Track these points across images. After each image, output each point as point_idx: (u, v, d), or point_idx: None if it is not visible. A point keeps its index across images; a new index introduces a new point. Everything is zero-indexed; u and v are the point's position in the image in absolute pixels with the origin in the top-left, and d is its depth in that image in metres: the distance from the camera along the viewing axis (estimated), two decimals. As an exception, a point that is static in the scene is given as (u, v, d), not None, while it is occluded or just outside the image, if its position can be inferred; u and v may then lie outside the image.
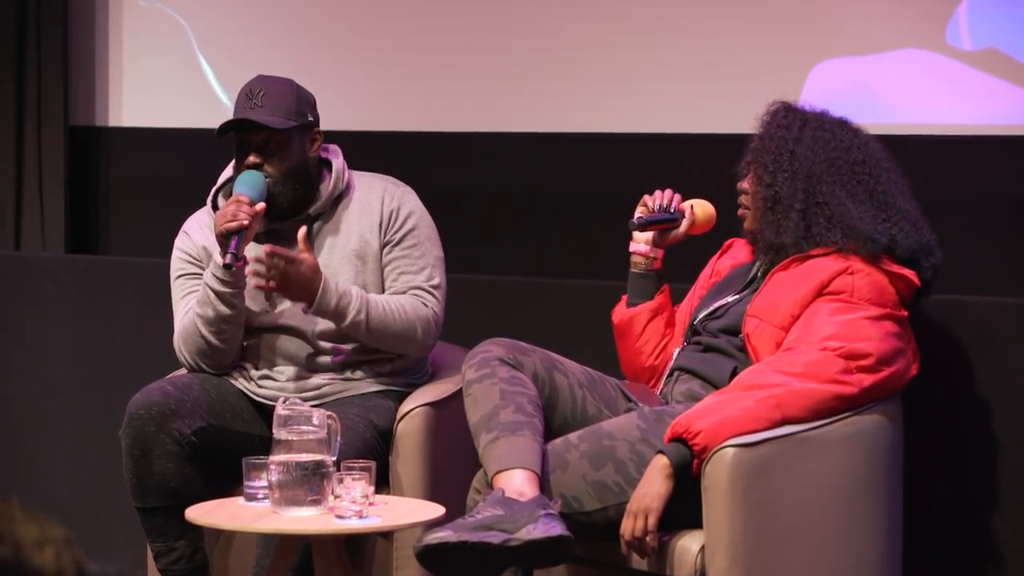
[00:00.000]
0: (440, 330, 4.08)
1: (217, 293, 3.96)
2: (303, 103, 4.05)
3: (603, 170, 4.96)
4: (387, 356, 4.09)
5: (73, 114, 5.77)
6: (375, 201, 4.07)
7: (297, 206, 4.04)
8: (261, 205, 3.91)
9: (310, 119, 4.05)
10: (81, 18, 5.77)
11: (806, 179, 3.73)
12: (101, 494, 5.04)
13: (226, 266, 3.92)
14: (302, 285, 3.90)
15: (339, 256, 4.04)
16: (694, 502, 3.45)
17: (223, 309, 3.98)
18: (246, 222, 3.88)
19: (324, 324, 4.04)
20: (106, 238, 5.79)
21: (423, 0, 5.24)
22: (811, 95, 4.38)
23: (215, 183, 4.15)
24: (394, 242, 4.06)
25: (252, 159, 3.98)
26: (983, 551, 3.93)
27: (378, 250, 4.05)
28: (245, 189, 3.93)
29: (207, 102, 5.53)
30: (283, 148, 4.00)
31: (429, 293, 4.06)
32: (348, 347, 4.05)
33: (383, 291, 4.06)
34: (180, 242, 4.14)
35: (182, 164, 5.54)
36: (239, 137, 4.01)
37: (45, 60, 5.72)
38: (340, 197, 4.08)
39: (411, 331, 4.01)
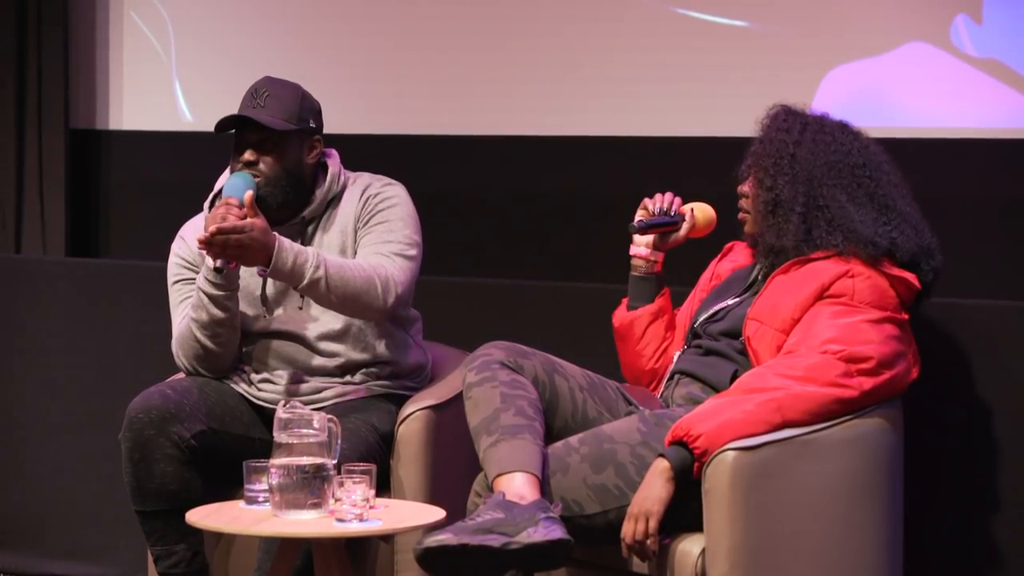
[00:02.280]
0: (401, 293, 3.97)
1: (210, 296, 3.96)
2: (306, 109, 4.05)
3: (603, 173, 4.96)
4: (386, 359, 4.09)
5: (74, 117, 5.77)
6: (359, 196, 4.08)
7: (289, 210, 4.04)
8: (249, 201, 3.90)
9: (311, 125, 4.05)
10: (82, 22, 5.77)
11: (807, 182, 3.73)
12: (101, 497, 5.04)
13: (217, 270, 3.92)
14: (257, 250, 3.84)
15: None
16: (695, 505, 3.45)
17: (216, 312, 3.97)
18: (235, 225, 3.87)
19: (323, 327, 4.04)
20: (106, 241, 5.79)
21: (421, 4, 5.24)
22: (817, 98, 4.38)
23: (214, 187, 4.16)
24: (364, 223, 4.05)
25: (247, 156, 3.99)
26: (984, 554, 3.93)
27: (353, 236, 4.05)
28: (234, 191, 3.93)
29: (208, 105, 5.53)
30: (278, 149, 4.00)
31: (388, 258, 4.00)
32: (347, 351, 4.05)
33: None
34: (177, 247, 4.14)
35: (182, 168, 5.55)
36: (237, 135, 4.02)
37: (46, 63, 5.73)
38: (333, 200, 4.08)
39: (371, 287, 3.93)
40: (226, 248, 3.83)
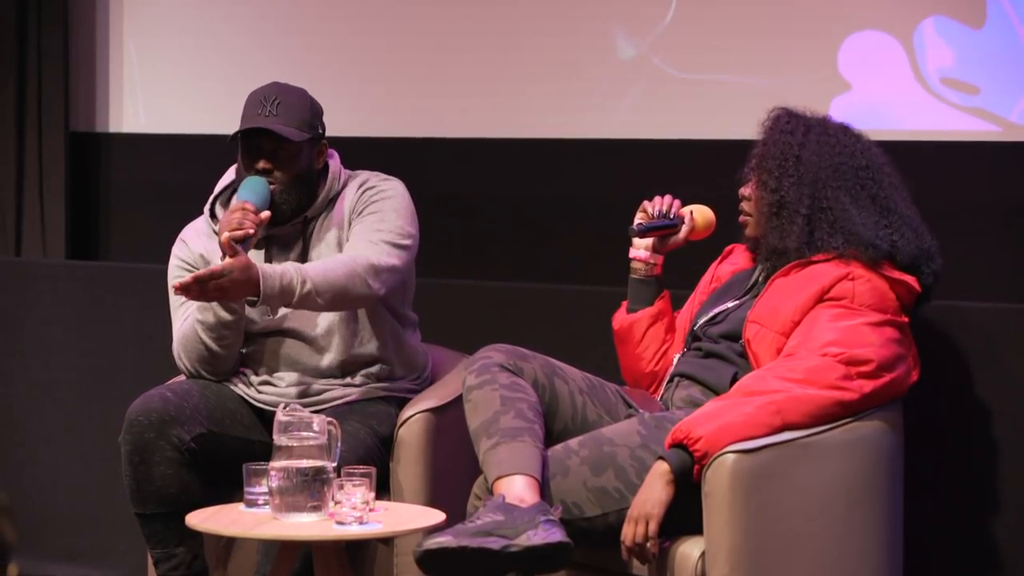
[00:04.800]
0: (389, 278, 3.97)
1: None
2: (315, 115, 4.06)
3: (603, 175, 4.96)
4: (386, 360, 4.09)
5: (74, 120, 5.77)
6: (357, 191, 4.09)
7: (297, 212, 4.05)
8: (266, 214, 3.90)
9: (320, 131, 4.06)
10: (82, 24, 5.77)
11: (812, 184, 3.73)
12: (101, 500, 5.04)
13: None
14: (239, 288, 3.83)
15: (326, 251, 4.05)
16: (695, 508, 3.45)
17: (224, 314, 3.98)
18: (252, 231, 3.87)
19: (323, 329, 4.04)
20: (107, 244, 5.79)
21: (422, 6, 5.24)
22: (819, 101, 4.38)
23: (214, 189, 4.16)
24: (358, 214, 4.06)
25: (262, 165, 3.98)
26: (984, 557, 3.93)
27: (348, 229, 4.06)
28: (250, 196, 3.93)
29: (208, 108, 5.54)
30: (293, 158, 4.01)
31: (373, 244, 3.99)
32: (347, 352, 4.05)
33: None
34: (177, 250, 4.14)
35: (183, 170, 5.55)
36: (249, 142, 4.01)
37: (46, 66, 5.73)
38: (334, 198, 4.09)
39: (354, 276, 3.92)
40: (205, 293, 3.80)
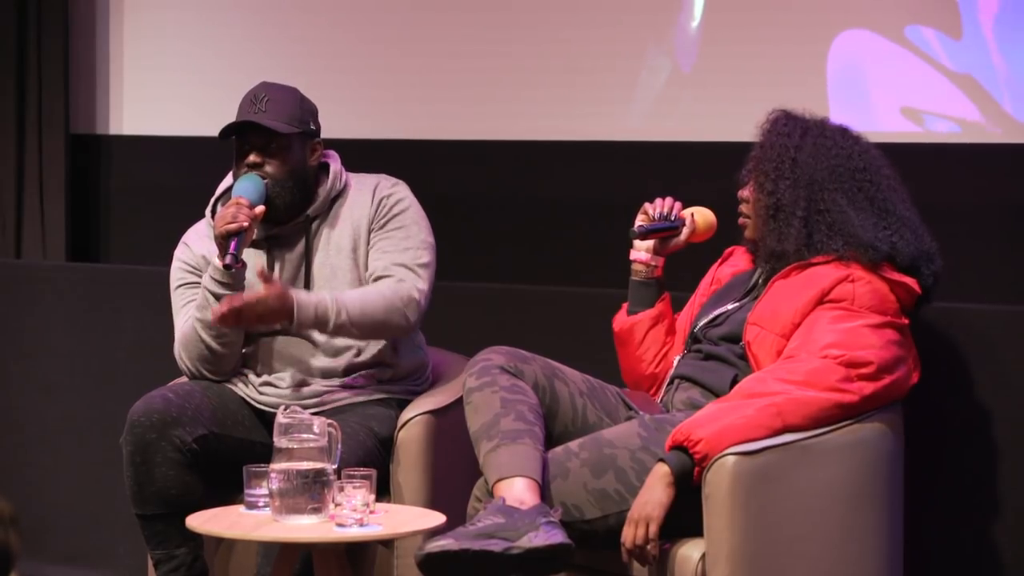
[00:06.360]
0: (425, 306, 4.04)
1: (216, 296, 3.97)
2: (306, 112, 4.07)
3: (603, 178, 4.96)
4: (388, 362, 4.10)
5: (74, 122, 5.78)
6: (367, 194, 4.10)
7: (295, 210, 4.06)
8: (260, 208, 3.94)
9: (312, 128, 4.07)
10: (82, 26, 5.77)
11: (808, 186, 3.73)
12: (102, 502, 5.04)
13: (225, 267, 3.94)
14: (276, 315, 3.90)
15: (335, 252, 4.06)
16: (695, 510, 3.45)
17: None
18: (246, 224, 3.90)
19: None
20: (107, 246, 5.80)
21: (422, 8, 5.24)
22: (817, 102, 4.39)
23: (215, 192, 4.17)
24: (380, 226, 4.08)
25: (253, 158, 4.01)
26: (984, 559, 3.93)
27: (366, 237, 4.07)
28: (245, 192, 3.95)
29: (208, 110, 5.54)
30: (283, 152, 4.02)
31: (410, 270, 4.03)
32: (348, 353, 4.06)
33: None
34: (180, 253, 4.16)
35: (183, 172, 5.55)
36: (240, 139, 4.03)
37: (46, 68, 5.73)
38: (337, 197, 4.10)
39: (392, 311, 3.98)
40: (241, 321, 3.89)
